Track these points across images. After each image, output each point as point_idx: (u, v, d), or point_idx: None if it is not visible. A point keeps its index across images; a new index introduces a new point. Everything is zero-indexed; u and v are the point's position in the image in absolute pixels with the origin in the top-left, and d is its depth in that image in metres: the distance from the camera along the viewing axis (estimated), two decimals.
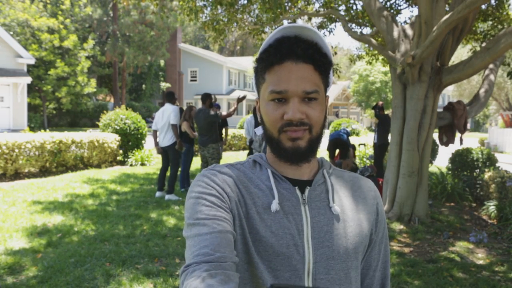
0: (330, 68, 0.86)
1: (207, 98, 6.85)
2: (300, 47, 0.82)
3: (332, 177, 0.93)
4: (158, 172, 9.17)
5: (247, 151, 8.93)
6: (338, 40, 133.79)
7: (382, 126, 8.19)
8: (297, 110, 0.81)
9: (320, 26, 8.77)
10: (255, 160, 0.92)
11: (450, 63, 6.14)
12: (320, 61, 0.83)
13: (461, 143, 6.21)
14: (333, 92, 39.17)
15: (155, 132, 7.14)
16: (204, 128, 6.70)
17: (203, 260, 0.71)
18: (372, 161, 9.53)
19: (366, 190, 0.95)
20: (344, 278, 0.86)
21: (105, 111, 12.08)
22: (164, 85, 32.82)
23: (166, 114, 6.61)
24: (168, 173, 6.97)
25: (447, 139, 6.18)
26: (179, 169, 7.40)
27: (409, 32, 5.78)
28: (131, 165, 10.43)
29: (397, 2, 7.78)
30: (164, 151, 6.85)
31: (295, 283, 0.82)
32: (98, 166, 9.97)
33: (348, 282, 0.86)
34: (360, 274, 0.93)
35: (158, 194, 6.85)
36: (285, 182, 0.87)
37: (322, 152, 11.00)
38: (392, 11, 7.69)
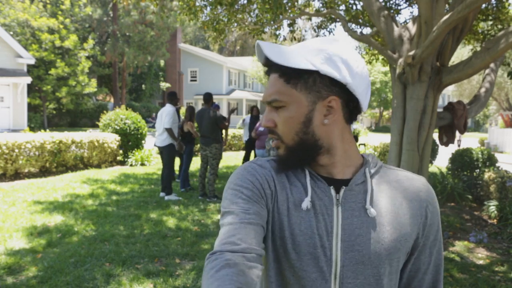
0: (296, 74, 0.84)
1: (210, 98, 6.86)
2: (263, 59, 0.89)
3: (376, 177, 0.89)
4: (158, 172, 9.20)
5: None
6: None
7: None
8: (265, 118, 0.89)
9: (320, 26, 8.78)
10: None
11: (450, 63, 6.15)
12: (280, 68, 0.85)
13: (458, 145, 6.23)
14: None
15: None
16: (208, 128, 6.70)
17: (227, 249, 0.72)
18: None
19: (414, 191, 0.89)
20: (375, 284, 0.83)
21: (105, 111, 12.08)
22: (164, 85, 32.81)
23: (164, 115, 6.62)
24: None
25: (447, 139, 6.18)
26: (177, 169, 7.39)
27: (409, 32, 5.78)
28: (131, 165, 10.43)
29: (397, 2, 7.78)
30: (160, 152, 6.89)
31: (322, 285, 0.82)
32: (98, 166, 9.97)
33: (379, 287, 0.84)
34: (407, 278, 0.92)
35: (162, 194, 6.88)
36: (320, 181, 0.86)
37: None
38: (392, 11, 7.69)
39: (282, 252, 0.82)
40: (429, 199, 0.90)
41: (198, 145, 11.56)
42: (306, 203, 0.83)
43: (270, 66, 0.88)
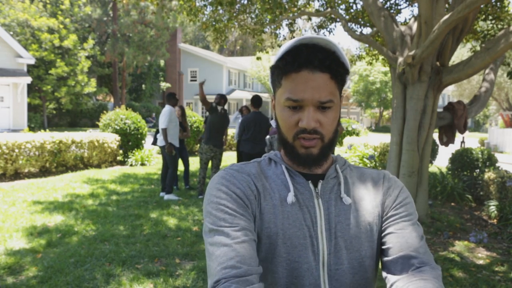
0: (346, 76, 0.89)
1: (223, 98, 6.89)
2: (317, 57, 0.83)
3: (346, 172, 0.96)
4: (158, 172, 9.21)
5: None
6: (338, 40, 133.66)
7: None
8: (312, 119, 0.85)
9: (320, 26, 8.77)
10: (270, 158, 0.96)
11: (450, 63, 6.14)
12: (337, 71, 0.85)
13: (461, 144, 6.20)
14: None
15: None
16: (225, 129, 6.79)
17: (231, 274, 0.74)
18: (372, 161, 9.53)
19: (376, 177, 0.98)
20: (358, 267, 0.88)
21: (105, 111, 12.08)
22: (164, 85, 32.81)
23: (161, 115, 6.70)
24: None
25: (447, 139, 6.18)
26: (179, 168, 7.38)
27: (409, 32, 5.78)
28: (131, 165, 10.43)
29: (397, 2, 7.78)
30: (161, 151, 6.98)
31: (313, 274, 0.85)
32: (98, 166, 9.97)
33: (363, 270, 0.88)
34: (382, 254, 0.90)
35: (162, 193, 6.90)
36: (298, 176, 0.91)
37: None
38: (392, 11, 7.69)
39: (274, 248, 0.85)
40: (386, 176, 0.97)
41: (198, 145, 11.56)
42: (290, 198, 0.87)
43: (316, 66, 0.83)
